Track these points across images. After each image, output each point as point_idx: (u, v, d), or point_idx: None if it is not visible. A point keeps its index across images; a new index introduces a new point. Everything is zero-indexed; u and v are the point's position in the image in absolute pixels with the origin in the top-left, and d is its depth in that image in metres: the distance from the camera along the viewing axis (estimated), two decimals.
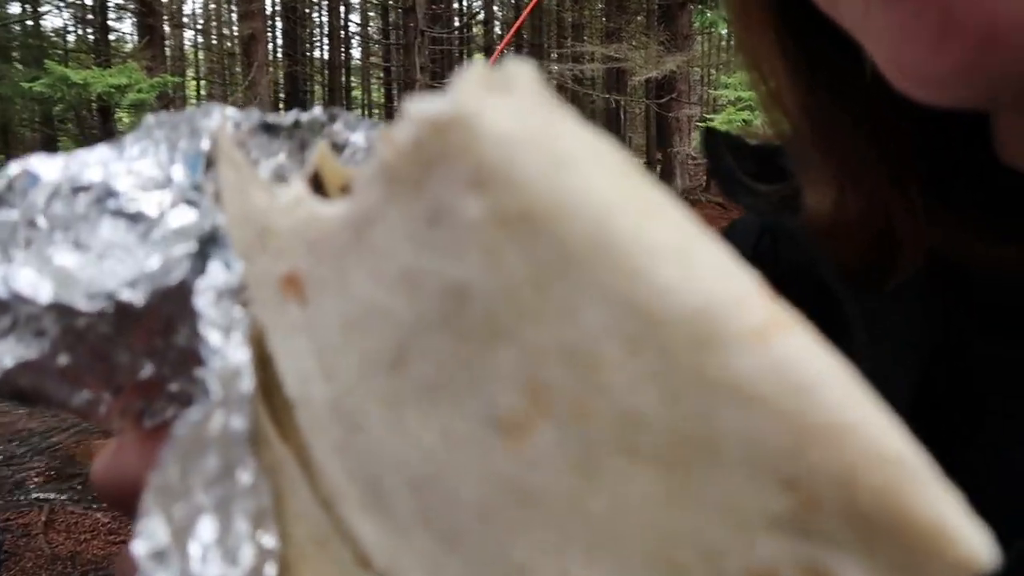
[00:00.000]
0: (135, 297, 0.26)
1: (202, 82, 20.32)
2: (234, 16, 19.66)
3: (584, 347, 0.18)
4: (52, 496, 4.61)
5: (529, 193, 0.18)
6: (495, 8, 21.60)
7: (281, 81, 20.07)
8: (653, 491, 0.18)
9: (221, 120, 0.27)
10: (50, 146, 15.91)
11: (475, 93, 0.18)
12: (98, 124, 16.58)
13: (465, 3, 21.43)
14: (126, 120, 14.78)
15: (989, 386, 0.46)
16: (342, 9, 21.36)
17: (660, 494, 0.18)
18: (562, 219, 0.17)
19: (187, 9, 20.81)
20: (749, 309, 0.17)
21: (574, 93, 14.88)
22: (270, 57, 18.14)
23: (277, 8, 19.69)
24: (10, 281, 0.27)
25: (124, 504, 0.31)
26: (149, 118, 0.29)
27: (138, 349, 0.28)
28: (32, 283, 0.27)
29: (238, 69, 17.39)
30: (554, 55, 16.51)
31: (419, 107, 0.18)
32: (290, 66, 19.66)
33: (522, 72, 0.19)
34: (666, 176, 12.32)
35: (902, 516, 0.16)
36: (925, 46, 0.33)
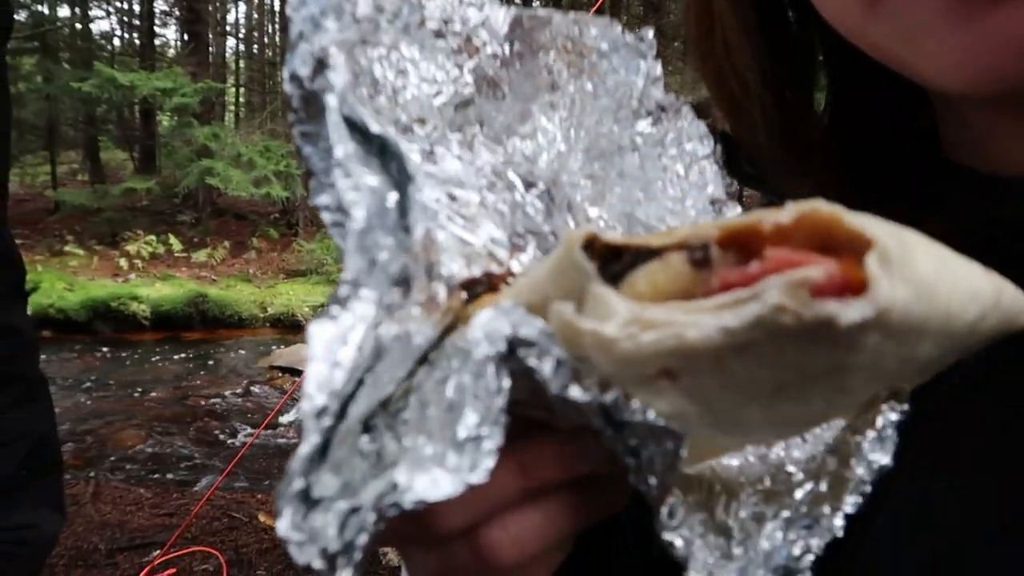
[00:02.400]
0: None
1: (242, 89, 20.69)
2: (276, 27, 20.01)
3: (913, 356, 0.34)
4: (94, 473, 4.74)
5: (911, 324, 0.31)
6: None
7: None
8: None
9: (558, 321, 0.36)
10: (92, 145, 16.22)
11: (881, 283, 0.29)
12: (140, 126, 16.84)
13: None
14: (167, 123, 15.03)
15: None
16: None
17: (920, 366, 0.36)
18: (927, 325, 0.32)
19: (230, 18, 21.23)
20: (982, 309, 0.34)
21: None
22: None
23: None
24: None
25: None
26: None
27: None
28: None
29: (279, 79, 17.65)
30: None
31: (838, 309, 0.29)
32: None
33: (890, 236, 0.30)
34: None
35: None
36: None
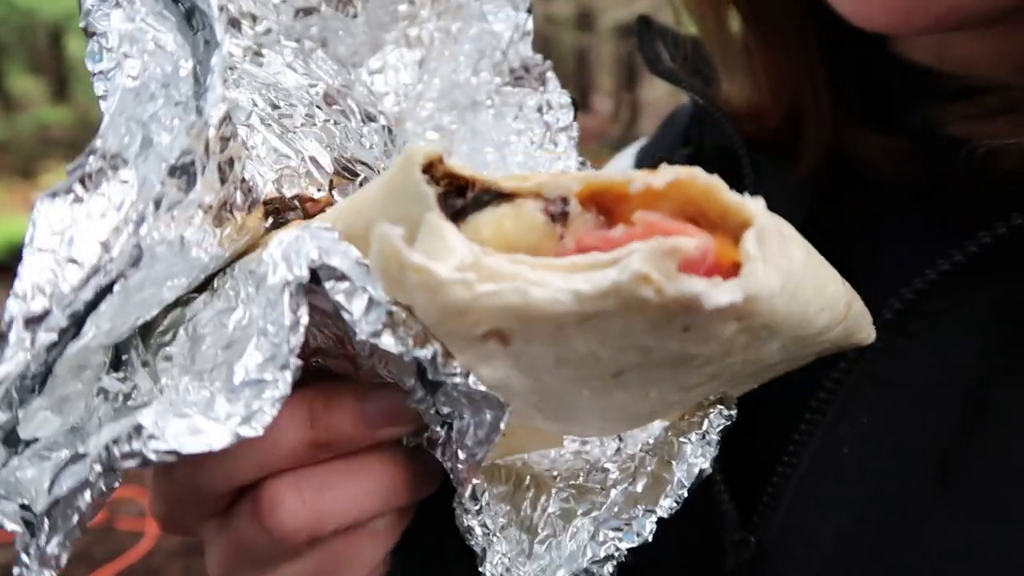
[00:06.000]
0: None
1: None
2: None
3: (759, 357, 0.32)
4: None
5: (774, 318, 0.28)
6: None
7: None
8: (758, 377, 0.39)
9: (385, 242, 0.27)
10: None
11: (756, 266, 0.27)
12: (48, 52, 15.84)
13: None
14: (77, 47, 14.16)
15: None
16: None
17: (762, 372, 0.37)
18: (785, 323, 0.29)
19: None
20: (832, 319, 0.33)
21: (543, 35, 14.67)
22: None
23: None
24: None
25: None
26: None
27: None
28: None
29: None
30: None
31: (706, 288, 0.26)
32: None
33: (769, 219, 0.28)
34: (633, 119, 12.31)
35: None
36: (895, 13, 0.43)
